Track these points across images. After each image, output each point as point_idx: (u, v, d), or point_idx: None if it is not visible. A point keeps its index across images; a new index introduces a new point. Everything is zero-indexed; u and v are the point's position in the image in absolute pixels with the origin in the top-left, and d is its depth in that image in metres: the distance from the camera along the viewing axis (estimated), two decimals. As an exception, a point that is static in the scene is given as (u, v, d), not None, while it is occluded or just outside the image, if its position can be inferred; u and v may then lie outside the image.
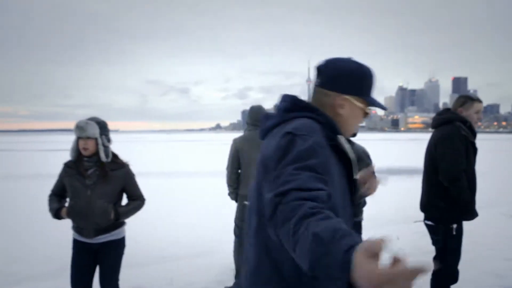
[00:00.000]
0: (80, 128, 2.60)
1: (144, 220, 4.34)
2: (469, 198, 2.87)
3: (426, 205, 3.03)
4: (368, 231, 3.23)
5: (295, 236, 0.84)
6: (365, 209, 3.33)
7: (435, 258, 3.01)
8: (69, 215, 2.65)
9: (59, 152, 32.75)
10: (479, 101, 3.00)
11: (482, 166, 4.74)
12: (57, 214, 2.69)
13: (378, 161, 2.78)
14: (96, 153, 2.66)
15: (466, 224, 3.03)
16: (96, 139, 2.64)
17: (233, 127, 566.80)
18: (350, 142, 3.19)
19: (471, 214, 2.96)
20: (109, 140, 2.75)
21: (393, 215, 7.12)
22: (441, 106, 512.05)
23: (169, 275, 4.16)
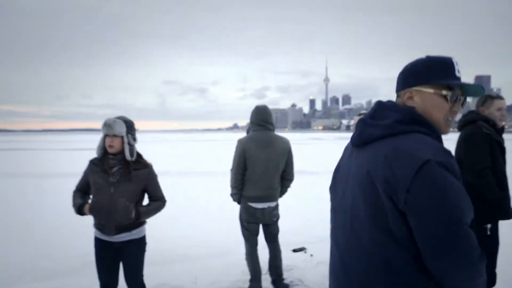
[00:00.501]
0: (108, 125, 2.64)
1: (164, 218, 4.36)
2: (499, 196, 2.80)
3: None
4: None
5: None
6: None
7: None
8: (91, 212, 2.68)
9: (81, 152, 33.48)
10: (500, 98, 3.01)
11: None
12: (80, 210, 2.73)
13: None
14: (122, 151, 2.69)
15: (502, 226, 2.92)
16: (122, 137, 2.68)
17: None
18: None
19: (507, 213, 2.87)
20: (135, 140, 2.78)
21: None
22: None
23: (193, 273, 4.16)
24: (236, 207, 3.80)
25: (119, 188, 2.64)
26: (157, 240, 5.23)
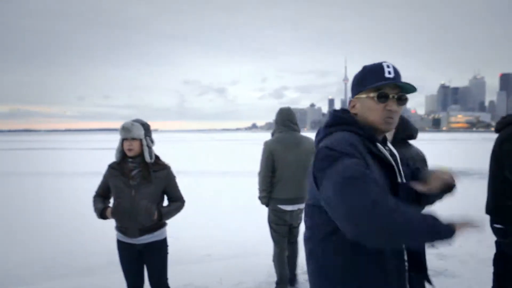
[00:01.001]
0: (126, 129, 2.67)
1: (186, 218, 4.41)
2: None
3: (494, 207, 2.89)
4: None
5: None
6: None
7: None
8: (113, 215, 2.71)
9: (102, 151, 34.13)
10: None
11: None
12: (102, 214, 2.76)
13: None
14: (141, 154, 2.72)
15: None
16: (141, 140, 2.71)
17: (268, 126, 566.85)
18: (407, 145, 3.09)
19: None
20: (152, 142, 2.81)
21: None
22: (487, 104, 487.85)
23: (218, 274, 4.20)
24: (259, 207, 3.81)
25: (140, 191, 2.66)
26: (178, 240, 5.33)
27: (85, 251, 5.53)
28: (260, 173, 3.59)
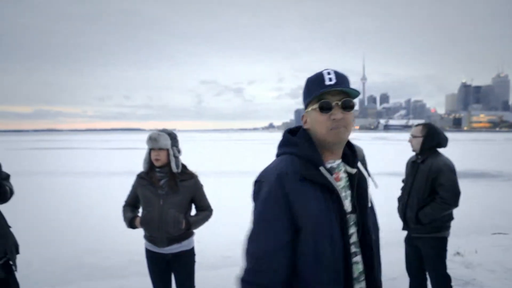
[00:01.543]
0: (153, 139, 2.70)
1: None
2: None
3: None
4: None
5: None
6: None
7: None
8: (142, 224, 2.75)
9: (123, 151, 34.66)
10: None
11: None
12: (131, 223, 2.81)
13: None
14: (168, 163, 2.74)
15: None
16: (167, 150, 2.74)
17: (285, 126, 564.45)
18: (436, 153, 3.04)
19: None
20: (179, 151, 2.84)
21: (466, 225, 6.68)
22: (511, 103, 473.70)
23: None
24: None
25: (168, 200, 2.67)
26: (199, 243, 5.36)
27: (106, 251, 5.64)
28: None
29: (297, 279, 1.19)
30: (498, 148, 36.00)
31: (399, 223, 3.23)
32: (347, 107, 1.24)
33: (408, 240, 3.24)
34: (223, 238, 6.12)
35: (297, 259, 1.19)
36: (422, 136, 3.04)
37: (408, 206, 3.06)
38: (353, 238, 1.27)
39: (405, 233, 3.28)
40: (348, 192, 1.29)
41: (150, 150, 2.75)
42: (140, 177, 2.84)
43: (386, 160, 20.99)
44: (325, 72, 1.27)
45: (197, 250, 2.90)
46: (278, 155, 1.33)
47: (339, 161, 1.31)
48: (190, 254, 2.84)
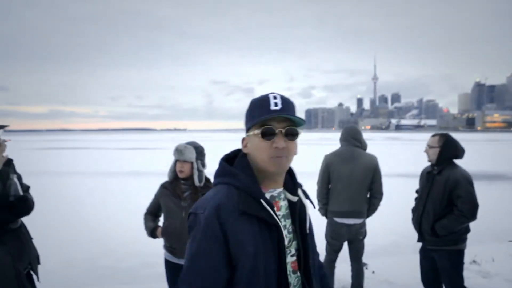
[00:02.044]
0: (179, 151, 2.75)
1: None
2: None
3: None
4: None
5: None
6: None
7: None
8: (163, 235, 2.78)
9: (135, 151, 34.89)
10: None
11: None
12: (152, 233, 2.85)
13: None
14: (191, 176, 2.77)
15: None
16: (192, 163, 2.77)
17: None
18: (453, 165, 3.01)
19: None
20: (204, 165, 2.86)
21: (481, 231, 6.57)
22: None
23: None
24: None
25: None
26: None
27: (120, 253, 5.70)
28: (317, 183, 3.74)
29: None
30: (513, 149, 35.31)
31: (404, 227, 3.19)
32: (291, 135, 1.19)
33: (423, 252, 3.20)
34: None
35: None
36: (439, 147, 3.01)
37: (424, 218, 3.03)
38: (289, 267, 1.24)
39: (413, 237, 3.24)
40: (288, 221, 1.25)
41: (176, 161, 2.80)
42: (163, 187, 2.88)
43: (397, 161, 20.79)
44: (271, 96, 1.21)
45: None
46: (215, 185, 1.24)
47: (280, 189, 1.26)
48: None
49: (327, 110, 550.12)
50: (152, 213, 2.96)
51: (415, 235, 3.21)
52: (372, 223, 7.54)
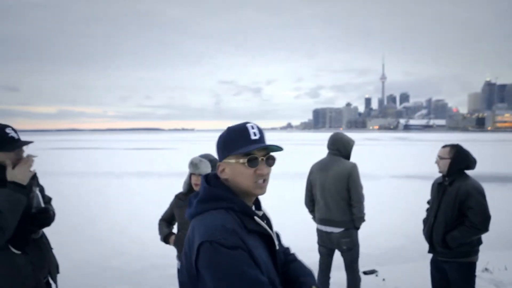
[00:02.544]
0: (194, 165, 2.80)
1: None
2: None
3: None
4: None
5: None
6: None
7: None
8: (175, 245, 2.86)
9: (144, 151, 35.08)
10: None
11: None
12: (165, 239, 2.94)
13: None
14: None
15: None
16: None
17: (303, 126, 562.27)
18: (464, 176, 2.95)
19: None
20: None
21: (494, 237, 6.43)
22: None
23: None
24: (301, 214, 3.83)
25: None
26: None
27: (129, 254, 5.71)
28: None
29: None
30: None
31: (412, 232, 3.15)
32: (270, 160, 1.34)
33: (434, 263, 3.16)
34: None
35: None
36: (450, 158, 2.97)
37: (435, 229, 3.00)
38: None
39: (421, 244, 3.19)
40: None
41: (191, 174, 2.85)
42: (178, 197, 2.97)
43: (404, 162, 20.62)
44: (249, 126, 1.33)
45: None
46: (210, 209, 1.29)
47: (252, 207, 1.39)
48: None
49: (335, 110, 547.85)
50: (165, 220, 3.06)
51: (424, 238, 3.18)
52: (380, 225, 7.50)
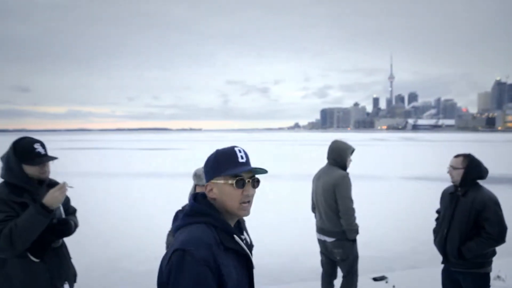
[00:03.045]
0: (198, 176, 2.79)
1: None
2: None
3: None
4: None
5: None
6: None
7: None
8: None
9: (151, 152, 35.23)
10: None
11: None
12: None
13: None
14: None
15: None
16: None
17: (311, 126, 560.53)
18: (478, 186, 2.90)
19: None
20: None
21: (505, 245, 6.35)
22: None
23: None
24: (300, 214, 3.79)
25: None
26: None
27: (139, 256, 5.72)
28: None
29: None
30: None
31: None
32: (256, 183, 1.44)
33: (446, 273, 3.11)
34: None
35: None
36: (463, 168, 2.92)
37: (448, 240, 2.95)
38: None
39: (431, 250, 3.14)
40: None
41: (195, 185, 2.85)
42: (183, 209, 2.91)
43: (411, 163, 20.43)
44: (236, 150, 1.42)
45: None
46: (193, 223, 1.37)
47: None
48: None
49: (342, 110, 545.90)
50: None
51: (435, 247, 3.13)
52: (389, 227, 7.43)
